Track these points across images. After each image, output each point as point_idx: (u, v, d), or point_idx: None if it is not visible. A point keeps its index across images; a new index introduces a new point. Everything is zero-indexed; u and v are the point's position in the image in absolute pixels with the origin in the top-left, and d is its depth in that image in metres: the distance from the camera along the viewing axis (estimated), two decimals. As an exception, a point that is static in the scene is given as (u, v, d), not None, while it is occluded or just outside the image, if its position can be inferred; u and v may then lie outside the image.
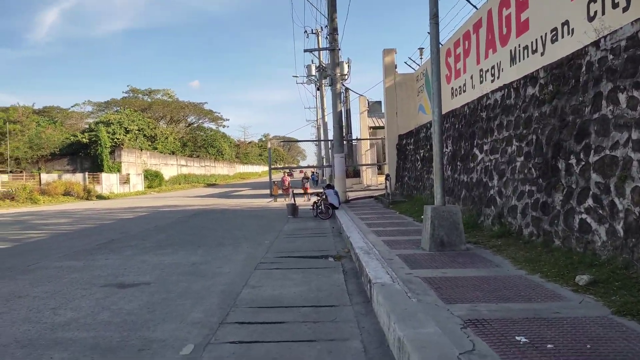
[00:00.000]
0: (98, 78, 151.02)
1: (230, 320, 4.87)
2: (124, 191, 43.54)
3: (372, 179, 33.13)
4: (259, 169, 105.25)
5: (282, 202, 22.53)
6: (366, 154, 34.73)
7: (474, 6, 13.17)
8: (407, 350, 3.28)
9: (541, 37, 9.12)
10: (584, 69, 6.50)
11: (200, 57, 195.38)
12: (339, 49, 20.03)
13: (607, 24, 6.36)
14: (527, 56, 9.99)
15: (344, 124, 25.66)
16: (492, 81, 11.81)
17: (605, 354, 3.04)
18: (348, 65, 26.06)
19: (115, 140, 47.25)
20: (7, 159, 40.81)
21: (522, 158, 8.07)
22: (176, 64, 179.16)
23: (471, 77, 13.48)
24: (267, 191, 26.11)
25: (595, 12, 6.87)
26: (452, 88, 14.98)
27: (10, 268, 8.11)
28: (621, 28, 5.65)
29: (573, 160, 6.37)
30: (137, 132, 51.65)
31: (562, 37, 8.03)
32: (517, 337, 3.33)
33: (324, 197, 15.81)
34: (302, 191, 24.17)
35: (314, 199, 17.07)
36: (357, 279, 6.62)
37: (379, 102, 41.25)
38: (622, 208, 5.21)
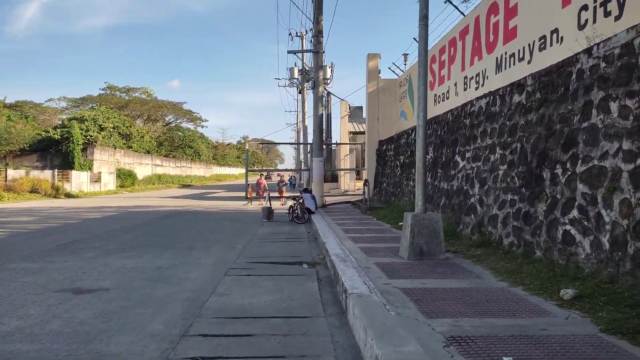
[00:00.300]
0: (76, 74, 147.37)
1: (193, 332, 4.46)
2: (94, 190, 42.24)
3: (350, 184, 32.92)
4: (237, 171, 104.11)
5: (257, 206, 22.07)
6: (345, 159, 34.54)
7: (462, 12, 13.05)
8: (385, 372, 2.96)
9: (529, 45, 8.98)
10: (574, 76, 6.34)
11: (181, 56, 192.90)
12: (323, 52, 19.78)
13: (599, 32, 6.21)
14: (514, 64, 9.86)
15: (324, 128, 25.40)
16: (477, 88, 11.68)
17: (601, 379, 2.77)
18: (331, 70, 25.84)
19: (88, 137, 45.85)
20: (-28, 153, 39.11)
21: (505, 166, 7.88)
22: (156, 63, 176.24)
23: (455, 84, 13.36)
24: (243, 194, 25.61)
25: (587, 20, 6.72)
26: (436, 95, 14.85)
27: (-42, 269, 7.49)
28: (615, 35, 5.49)
29: (559, 170, 6.19)
30: (111, 129, 50.31)
31: (551, 45, 7.89)
32: (504, 358, 3.04)
33: (300, 201, 15.45)
34: (278, 195, 23.72)
35: (290, 202, 16.68)
36: (332, 287, 6.27)
37: (360, 108, 41.21)
38: (609, 220, 5.01)
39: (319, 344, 4.11)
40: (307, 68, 30.13)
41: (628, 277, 4.52)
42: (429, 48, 15.67)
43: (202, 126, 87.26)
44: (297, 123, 48.63)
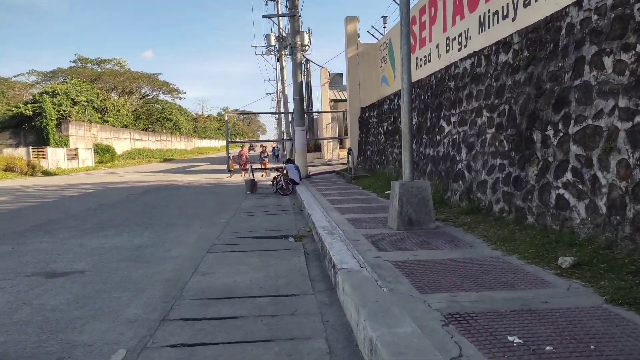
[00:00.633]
0: (44, 47, 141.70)
1: (173, 316, 4.19)
2: (72, 166, 41.15)
3: (334, 154, 32.61)
4: (218, 144, 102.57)
5: (240, 178, 21.68)
6: (327, 128, 34.09)
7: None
8: (382, 356, 2.73)
9: (512, 0, 8.61)
10: (563, 31, 6.03)
11: (153, 26, 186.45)
12: (300, 16, 19.02)
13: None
14: (497, 22, 9.49)
15: (304, 97, 24.82)
16: (459, 49, 11.32)
17: (612, 356, 2.59)
18: (309, 36, 25.05)
19: (61, 112, 44.30)
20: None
21: (493, 130, 7.64)
22: (128, 33, 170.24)
23: (437, 46, 12.95)
24: (225, 166, 25.10)
25: (575, -29, 6.36)
26: (417, 58, 14.43)
27: None
28: (609, -15, 5.16)
29: (550, 132, 5.96)
30: (85, 103, 48.65)
31: (536, 0, 7.54)
32: (509, 338, 2.84)
33: (284, 172, 15.12)
34: (260, 166, 23.28)
35: (274, 174, 16.35)
36: (320, 262, 6.04)
37: (341, 75, 40.44)
38: (606, 183, 4.82)
39: (308, 325, 3.88)
40: (283, 34, 29.19)
41: (627, 242, 4.36)
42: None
43: (180, 98, 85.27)
44: (276, 92, 47.65)
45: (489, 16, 9.90)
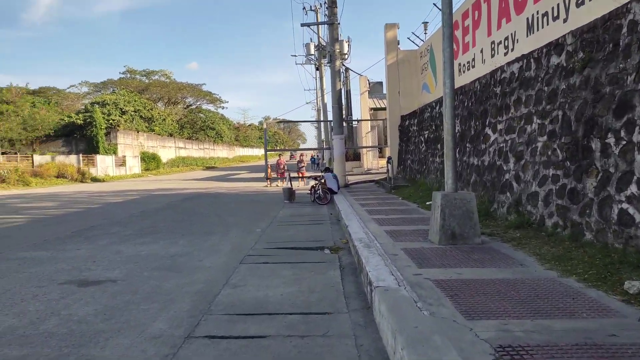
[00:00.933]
0: (95, 59, 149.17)
1: (199, 333, 3.98)
2: (120, 174, 42.65)
3: (373, 162, 32.16)
4: (259, 152, 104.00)
5: (277, 187, 21.63)
6: (367, 137, 33.68)
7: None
8: (421, 394, 2.39)
9: (564, 1, 8.06)
10: (625, 30, 5.48)
11: (198, 38, 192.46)
12: (338, 23, 18.86)
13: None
14: (547, 24, 8.93)
15: (343, 105, 24.58)
16: (505, 54, 10.77)
17: None
18: (348, 44, 24.85)
19: (110, 121, 46.17)
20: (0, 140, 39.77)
21: (544, 138, 7.09)
22: (174, 46, 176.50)
23: (481, 51, 12.41)
24: (265, 174, 25.17)
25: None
26: (460, 64, 13.91)
27: (-33, 260, 7.24)
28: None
29: (611, 139, 5.41)
30: (133, 113, 50.50)
31: (591, -1, 6.97)
32: (573, 379, 2.42)
33: (322, 181, 14.88)
34: (297, 175, 23.08)
35: (312, 182, 16.14)
36: (355, 276, 5.72)
37: (380, 83, 39.98)
38: (680, 197, 4.26)
39: (340, 349, 3.57)
40: (323, 43, 29.13)
41: None
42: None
43: (223, 107, 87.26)
44: (316, 101, 47.71)
45: (537, 18, 9.35)
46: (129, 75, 68.43)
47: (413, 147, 17.93)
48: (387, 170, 17.82)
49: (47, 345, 3.79)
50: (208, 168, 59.69)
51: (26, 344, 3.81)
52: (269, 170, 23.67)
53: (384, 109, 26.79)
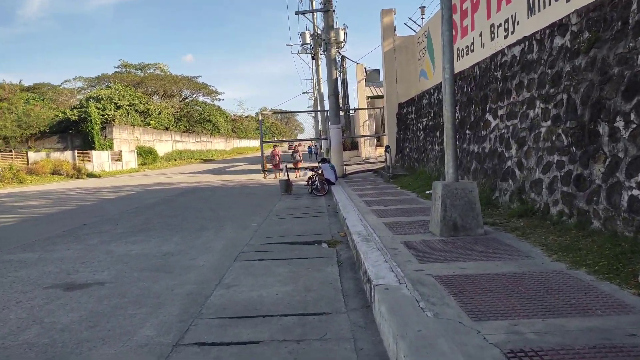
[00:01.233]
0: (90, 54, 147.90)
1: (188, 340, 3.73)
2: (116, 169, 42.31)
3: (371, 151, 31.88)
4: (257, 144, 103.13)
5: (274, 178, 21.35)
6: (364, 125, 33.37)
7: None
8: (426, 411, 2.14)
9: (567, -21, 7.74)
10: (634, 6, 5.19)
11: (192, 30, 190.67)
12: (334, 10, 18.45)
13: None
14: (549, 4, 8.62)
15: (340, 94, 24.25)
16: (506, 37, 10.46)
17: None
18: (344, 32, 24.45)
19: (105, 116, 45.68)
20: (-6, 138, 39.36)
21: (548, 122, 6.82)
22: (169, 38, 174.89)
23: (480, 35, 12.09)
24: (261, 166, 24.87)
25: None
26: (458, 49, 13.57)
27: (-49, 264, 6.98)
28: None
29: (620, 123, 5.14)
30: (128, 107, 50.02)
31: (598, -26, 6.65)
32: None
33: (319, 171, 14.62)
34: (292, 166, 22.66)
35: (310, 173, 15.88)
36: (354, 272, 5.48)
37: (377, 71, 39.55)
38: (697, 183, 4.01)
39: (339, 354, 3.33)
40: (318, 32, 28.67)
41: None
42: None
43: (219, 99, 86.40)
44: (313, 91, 47.26)
45: (539, -2, 9.03)
46: (124, 69, 67.79)
47: (411, 135, 17.64)
48: (385, 159, 17.56)
49: (25, 357, 3.54)
50: (205, 161, 59.34)
51: (2, 357, 3.57)
52: (265, 161, 23.35)
53: (382, 96, 26.44)
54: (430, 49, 17.02)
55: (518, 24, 9.93)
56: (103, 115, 45.19)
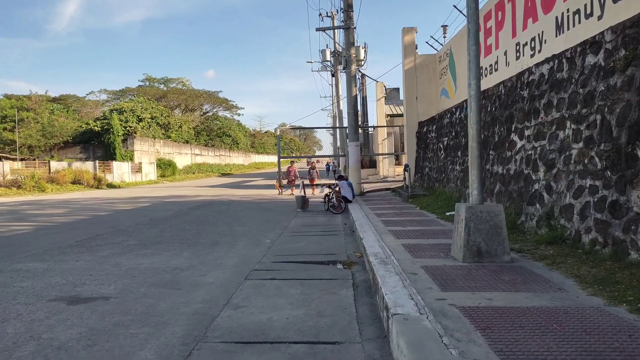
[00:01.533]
0: (115, 67, 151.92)
1: (189, 366, 3.46)
2: (135, 180, 42.73)
3: (389, 170, 31.50)
4: (275, 159, 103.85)
5: (290, 194, 21.13)
6: (383, 143, 33.06)
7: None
8: None
9: (599, -3, 7.45)
10: (678, 23, 4.85)
11: (215, 47, 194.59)
12: (354, 28, 18.38)
13: None
14: (579, 22, 8.32)
15: (359, 112, 24.06)
16: (532, 55, 10.15)
17: None
18: (364, 50, 24.36)
19: (127, 128, 46.44)
20: (18, 147, 40.22)
21: (580, 144, 6.45)
22: (192, 54, 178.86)
23: (505, 53, 11.80)
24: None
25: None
26: (482, 67, 13.28)
27: (-41, 271, 6.87)
28: None
29: (662, 147, 4.76)
30: (150, 120, 50.81)
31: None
32: None
33: (336, 189, 14.35)
34: (309, 183, 22.34)
35: (327, 190, 15.62)
36: (370, 297, 5.16)
37: (397, 89, 39.41)
38: None
39: (351, 392, 3.01)
40: (339, 50, 28.69)
41: None
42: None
43: (239, 114, 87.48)
44: (332, 108, 47.28)
45: (567, 16, 8.75)
46: (147, 83, 69.17)
47: (431, 154, 17.28)
48: (404, 178, 17.21)
49: (15, 378, 3.31)
50: (223, 174, 59.63)
51: (-7, 376, 3.35)
52: (281, 177, 23.16)
53: (401, 115, 26.20)
54: (452, 68, 16.76)
55: (545, 42, 9.63)
56: (125, 127, 45.95)
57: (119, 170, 40.85)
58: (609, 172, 5.66)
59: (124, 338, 4.05)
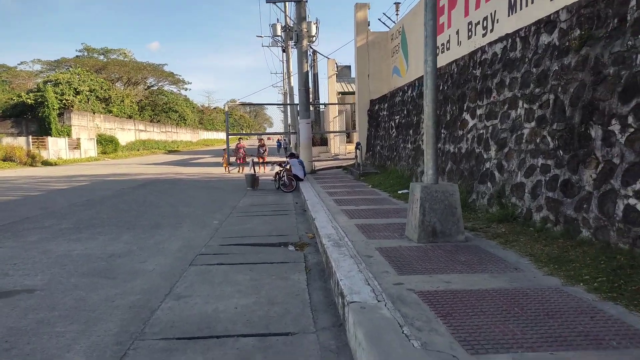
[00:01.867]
0: (51, 36, 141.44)
1: (122, 369, 3.07)
2: (74, 157, 40.24)
3: (341, 148, 31.44)
4: (224, 136, 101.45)
5: (239, 172, 20.57)
6: (334, 121, 32.88)
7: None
8: None
9: (553, -25, 7.39)
10: (633, 2, 4.81)
11: (160, 17, 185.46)
12: (306, 1, 17.80)
13: None
14: (532, 2, 8.28)
15: (310, 89, 23.60)
16: (484, 35, 10.11)
17: None
18: (316, 26, 23.78)
19: (64, 101, 43.39)
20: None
21: (532, 124, 6.44)
22: (134, 23, 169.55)
23: (457, 32, 11.73)
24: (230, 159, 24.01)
25: None
26: (434, 45, 13.19)
27: None
28: None
29: (616, 126, 4.77)
30: (88, 93, 47.73)
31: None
32: None
33: (287, 167, 13.99)
34: (258, 160, 21.92)
35: (277, 168, 15.22)
36: (324, 281, 4.91)
37: (349, 67, 39.18)
38: None
39: (306, 392, 2.75)
40: (290, 24, 27.89)
41: None
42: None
43: (186, 89, 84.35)
44: (283, 84, 46.38)
45: (521, -6, 8.69)
46: (86, 54, 64.88)
47: (383, 132, 17.24)
48: (356, 156, 17.09)
49: None
50: (170, 152, 57.50)
51: None
52: (225, 155, 22.52)
53: (353, 93, 26.01)
54: (405, 46, 16.64)
55: (498, 22, 9.59)
56: (61, 101, 42.93)
57: (55, 147, 38.28)
58: (561, 152, 5.67)
59: (48, 338, 3.58)
